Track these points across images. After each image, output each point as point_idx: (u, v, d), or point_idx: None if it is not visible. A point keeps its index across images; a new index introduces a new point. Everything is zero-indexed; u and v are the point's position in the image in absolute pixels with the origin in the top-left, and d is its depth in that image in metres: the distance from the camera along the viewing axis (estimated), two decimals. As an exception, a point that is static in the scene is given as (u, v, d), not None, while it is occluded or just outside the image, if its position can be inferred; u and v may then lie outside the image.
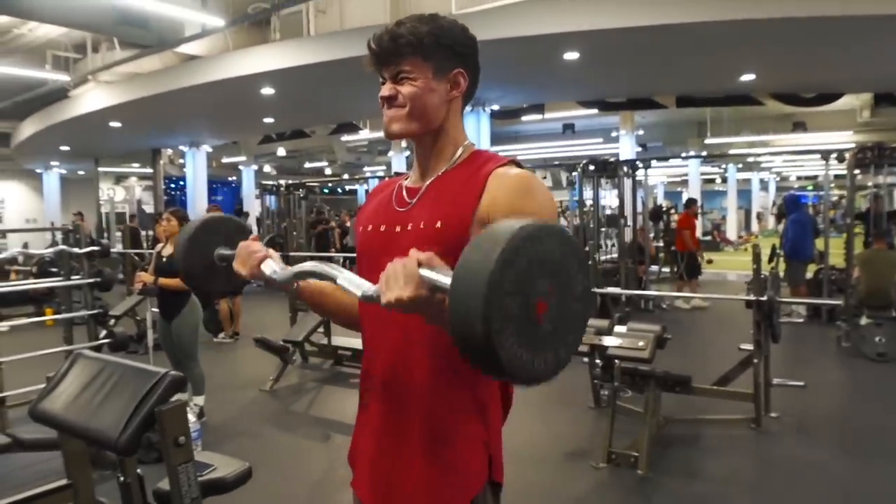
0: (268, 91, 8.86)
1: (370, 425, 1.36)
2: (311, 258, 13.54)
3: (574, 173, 9.84)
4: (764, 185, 30.49)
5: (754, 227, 26.47)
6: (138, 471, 2.12)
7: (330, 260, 15.28)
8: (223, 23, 7.60)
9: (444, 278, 0.94)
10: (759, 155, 18.66)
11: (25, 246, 11.56)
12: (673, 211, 14.51)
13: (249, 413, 5.07)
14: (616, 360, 3.78)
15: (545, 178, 22.36)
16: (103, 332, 5.34)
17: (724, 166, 23.33)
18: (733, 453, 4.11)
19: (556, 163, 15.56)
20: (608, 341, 3.81)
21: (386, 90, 1.30)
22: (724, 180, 24.97)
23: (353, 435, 1.44)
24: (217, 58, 8.85)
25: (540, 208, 1.23)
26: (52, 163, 18.63)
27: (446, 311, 0.91)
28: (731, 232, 22.23)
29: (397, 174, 1.51)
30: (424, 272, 0.98)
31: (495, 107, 10.29)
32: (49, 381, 2.15)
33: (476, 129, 10.11)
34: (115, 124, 11.57)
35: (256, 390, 5.66)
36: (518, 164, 1.30)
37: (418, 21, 1.28)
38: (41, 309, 8.84)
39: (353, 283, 1.14)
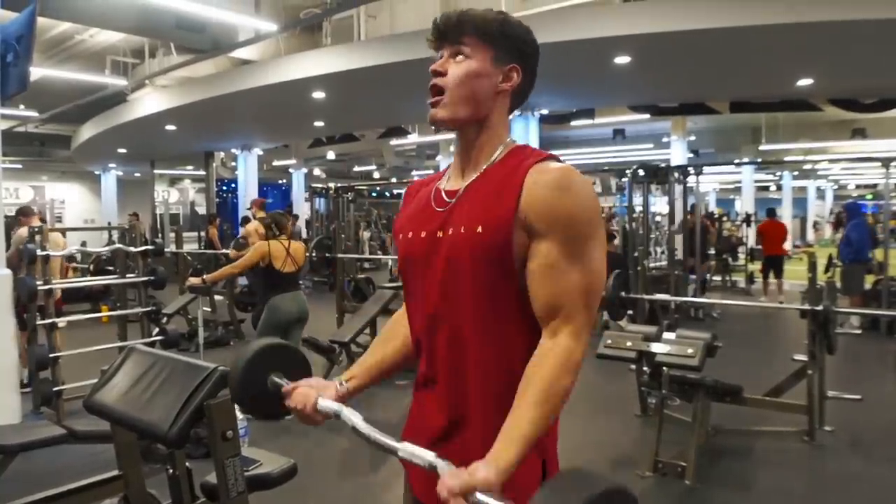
0: (318, 95, 8.98)
1: (426, 424, 1.34)
2: (360, 260, 13.64)
3: (624, 179, 9.70)
4: (821, 194, 29.61)
5: (810, 236, 25.67)
6: (187, 464, 2.16)
7: (379, 262, 15.17)
8: (276, 28, 7.73)
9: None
10: (815, 162, 18.11)
11: (83, 245, 11.94)
12: (725, 218, 14.21)
13: (296, 412, 5.10)
14: (664, 368, 3.70)
15: (595, 183, 22.15)
16: (156, 330, 5.48)
17: (779, 174, 22.71)
18: (784, 466, 3.99)
19: (606, 168, 15.33)
20: (656, 348, 3.74)
21: (438, 64, 1.29)
22: (780, 188, 24.31)
23: (404, 431, 1.42)
24: (269, 62, 9.01)
25: (579, 206, 1.20)
26: (110, 165, 19.23)
27: None
28: (787, 241, 21.58)
29: (432, 175, 1.47)
30: (481, 497, 0.99)
31: (545, 111, 10.22)
32: (103, 375, 2.21)
33: (525, 134, 10.06)
34: (171, 127, 11.89)
35: (302, 390, 5.71)
36: (557, 159, 1.27)
37: (487, 10, 1.30)
38: (97, 306, 9.15)
39: (420, 458, 1.11)
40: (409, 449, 1.12)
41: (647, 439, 3.97)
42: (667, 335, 3.79)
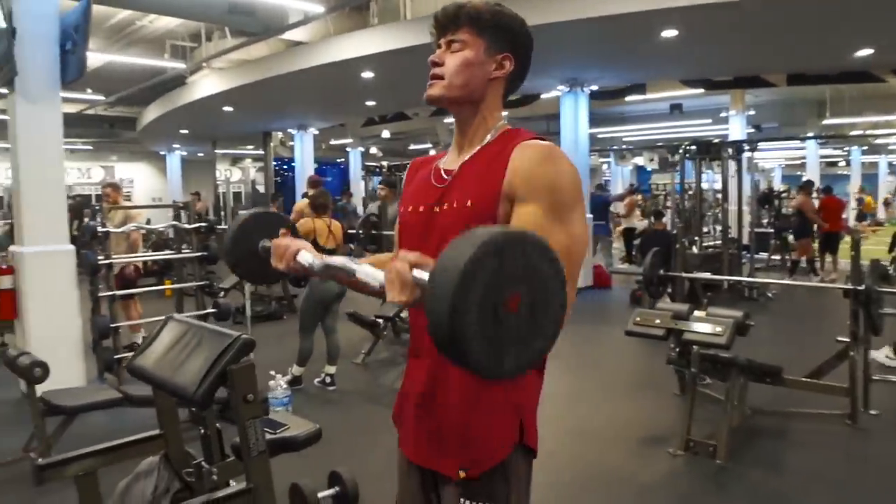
0: (367, 74, 9.11)
1: (413, 390, 1.45)
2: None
3: (676, 156, 9.53)
4: (893, 169, 28.26)
5: (881, 213, 24.56)
6: (217, 425, 2.32)
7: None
8: (323, 10, 7.87)
9: (427, 277, 0.98)
10: (883, 136, 17.30)
11: (148, 222, 12.45)
12: (787, 194, 13.76)
13: (341, 384, 5.30)
14: (693, 346, 3.69)
15: (652, 160, 21.69)
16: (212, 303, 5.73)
17: (847, 149, 21.78)
18: (822, 449, 3.94)
19: (659, 144, 15.04)
20: (684, 326, 3.73)
21: (436, 55, 1.41)
22: (849, 163, 23.33)
23: (398, 397, 1.54)
24: (319, 43, 9.17)
25: (561, 175, 1.28)
26: (174, 145, 19.92)
27: None
28: (853, 219, 20.78)
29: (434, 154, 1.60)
30: (416, 273, 1.02)
31: (594, 87, 10.10)
32: (143, 341, 2.38)
33: (574, 110, 9.97)
34: (228, 108, 12.24)
35: (349, 363, 5.89)
36: (544, 140, 1.36)
37: (484, 3, 1.40)
38: (162, 280, 9.57)
39: (371, 276, 1.21)
40: (364, 270, 1.23)
41: (682, 418, 3.98)
42: (697, 313, 3.77)
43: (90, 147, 20.56)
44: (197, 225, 5.69)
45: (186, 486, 2.31)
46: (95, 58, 11.82)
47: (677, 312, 3.77)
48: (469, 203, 1.33)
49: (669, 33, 6.89)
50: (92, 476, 2.37)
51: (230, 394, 2.04)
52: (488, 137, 1.40)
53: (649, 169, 23.78)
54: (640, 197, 14.40)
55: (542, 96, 11.68)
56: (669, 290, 5.31)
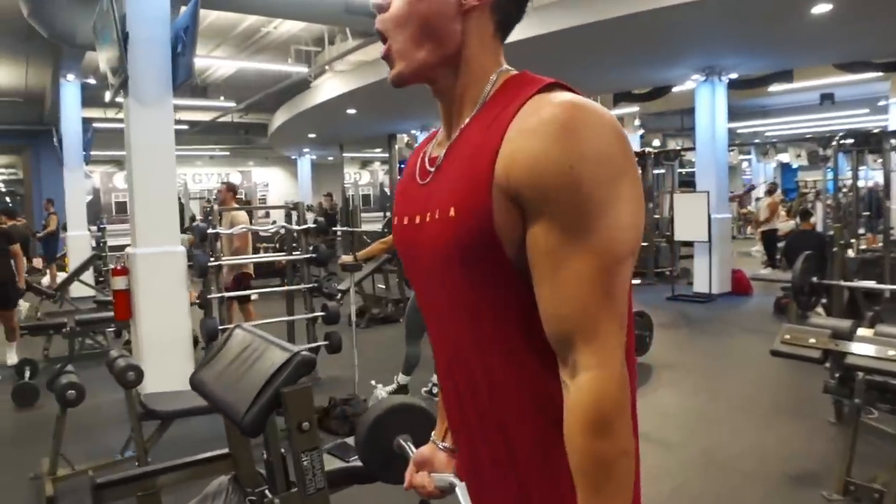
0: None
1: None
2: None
3: (828, 150, 8.53)
4: None
5: None
6: (281, 450, 2.06)
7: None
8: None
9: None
10: None
11: (274, 223, 12.86)
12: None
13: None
14: (858, 372, 3.06)
15: (799, 156, 19.95)
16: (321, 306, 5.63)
17: None
18: None
19: (809, 136, 13.73)
20: (847, 347, 3.09)
21: None
22: None
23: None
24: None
25: (579, 161, 0.77)
26: (304, 149, 20.67)
27: None
28: None
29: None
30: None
31: (733, 75, 9.24)
32: (208, 352, 2.17)
33: (710, 102, 9.19)
34: (351, 111, 12.37)
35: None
36: (565, 88, 0.86)
37: None
38: (284, 280, 9.75)
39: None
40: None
41: (839, 454, 3.34)
42: (863, 332, 3.12)
43: (227, 153, 21.71)
44: (306, 227, 5.60)
45: (252, 513, 2.07)
46: (227, 66, 12.34)
47: (837, 330, 3.13)
48: (452, 212, 0.86)
49: (822, 8, 6.06)
50: (154, 496, 2.19)
51: (285, 420, 1.77)
52: (483, 96, 0.91)
53: (795, 166, 21.91)
54: (778, 195, 13.05)
55: (675, 89, 10.90)
56: (823, 300, 4.59)
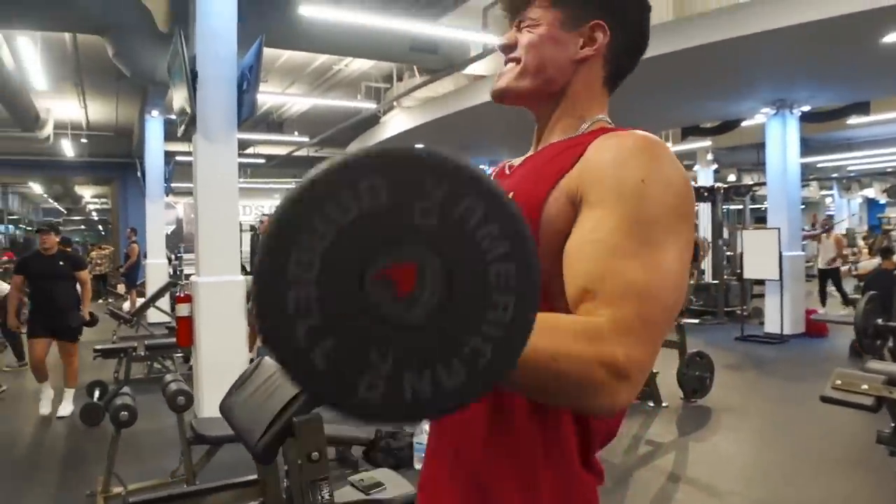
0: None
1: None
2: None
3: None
4: None
5: None
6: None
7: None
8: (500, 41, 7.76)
9: None
10: None
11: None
12: None
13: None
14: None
15: (884, 191, 18.99)
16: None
17: None
18: None
19: (889, 170, 13.09)
20: (903, 395, 2.91)
21: (506, 37, 1.04)
22: None
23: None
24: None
25: (651, 176, 0.81)
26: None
27: None
28: None
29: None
30: None
31: (805, 108, 8.95)
32: (238, 379, 2.26)
33: (782, 136, 8.91)
34: (419, 146, 12.58)
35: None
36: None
37: None
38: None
39: None
40: None
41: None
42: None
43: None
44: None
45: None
46: (301, 102, 12.83)
47: (893, 376, 2.96)
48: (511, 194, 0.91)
49: (893, 38, 5.84)
50: (183, 519, 2.27)
51: (293, 449, 1.81)
52: (578, 131, 1.00)
53: (883, 202, 20.73)
54: (841, 232, 12.15)
55: (744, 123, 10.63)
56: (892, 343, 4.34)
